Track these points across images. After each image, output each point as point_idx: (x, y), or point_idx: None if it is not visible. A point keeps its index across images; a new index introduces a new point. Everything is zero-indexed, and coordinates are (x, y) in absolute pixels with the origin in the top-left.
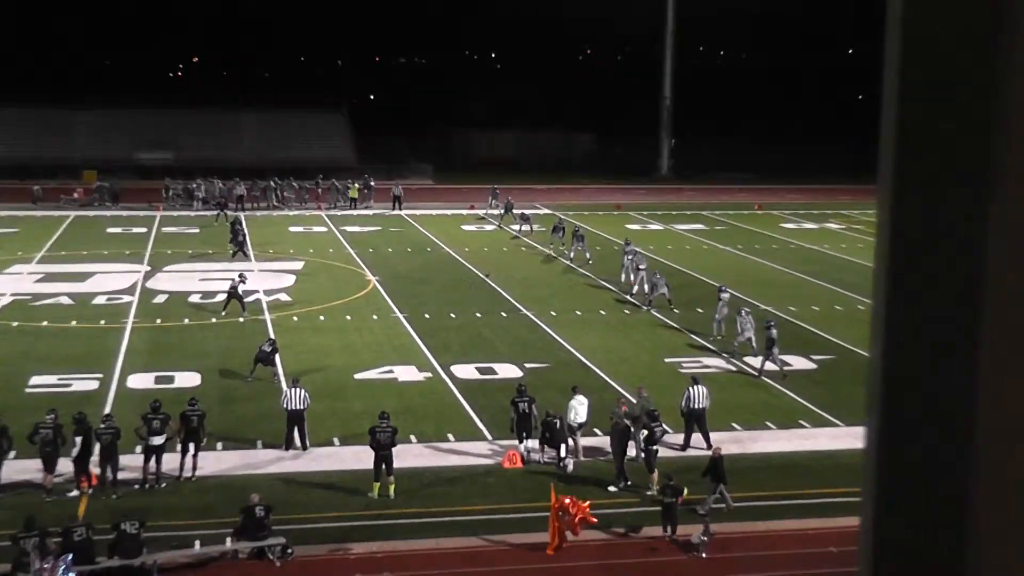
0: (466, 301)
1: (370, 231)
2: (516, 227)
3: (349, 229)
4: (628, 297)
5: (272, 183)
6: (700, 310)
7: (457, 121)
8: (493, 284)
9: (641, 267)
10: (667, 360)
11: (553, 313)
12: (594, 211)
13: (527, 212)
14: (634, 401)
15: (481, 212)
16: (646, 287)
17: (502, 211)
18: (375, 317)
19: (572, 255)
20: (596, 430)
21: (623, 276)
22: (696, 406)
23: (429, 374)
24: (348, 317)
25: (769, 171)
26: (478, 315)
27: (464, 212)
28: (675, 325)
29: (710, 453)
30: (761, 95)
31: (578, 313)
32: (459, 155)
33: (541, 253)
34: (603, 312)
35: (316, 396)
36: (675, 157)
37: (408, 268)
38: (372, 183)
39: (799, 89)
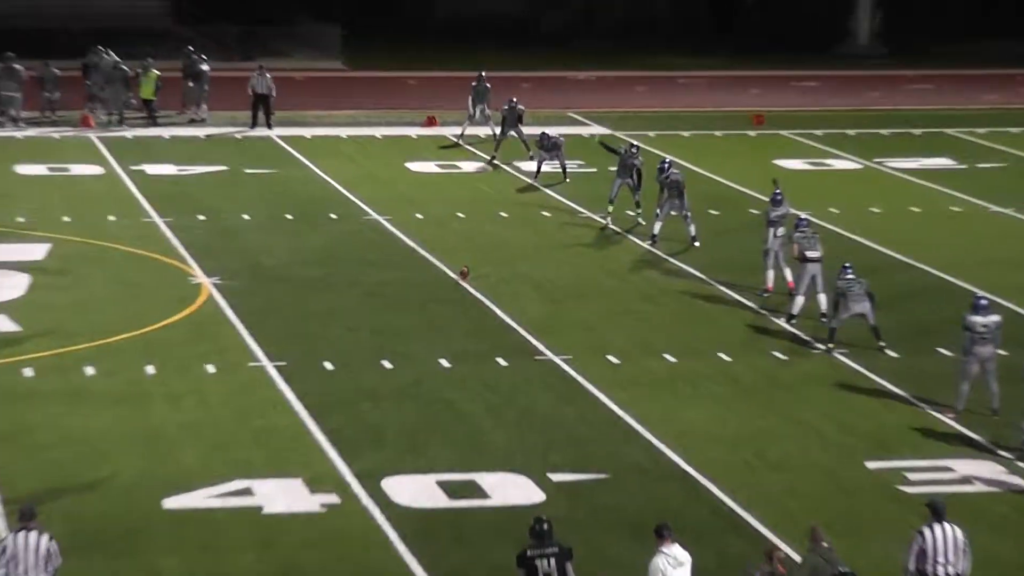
0: (417, 333)
1: (201, 173)
2: (532, 164)
3: (152, 169)
4: (784, 323)
5: None
6: (946, 351)
7: None
8: (475, 292)
9: (811, 255)
10: (872, 465)
11: (613, 358)
12: (704, 129)
13: (552, 132)
14: (797, 560)
15: (453, 135)
16: (822, 299)
17: (498, 130)
18: (211, 368)
19: (656, 228)
20: None
21: (769, 273)
22: (940, 569)
23: (333, 497)
24: (150, 368)
25: None
26: (443, 363)
27: (414, 132)
28: (888, 385)
29: None
30: None
31: (668, 358)
32: (402, 8)
33: (585, 223)
34: (724, 356)
35: (78, 547)
36: (885, 12)
37: (287, 257)
38: (205, 67)
39: None
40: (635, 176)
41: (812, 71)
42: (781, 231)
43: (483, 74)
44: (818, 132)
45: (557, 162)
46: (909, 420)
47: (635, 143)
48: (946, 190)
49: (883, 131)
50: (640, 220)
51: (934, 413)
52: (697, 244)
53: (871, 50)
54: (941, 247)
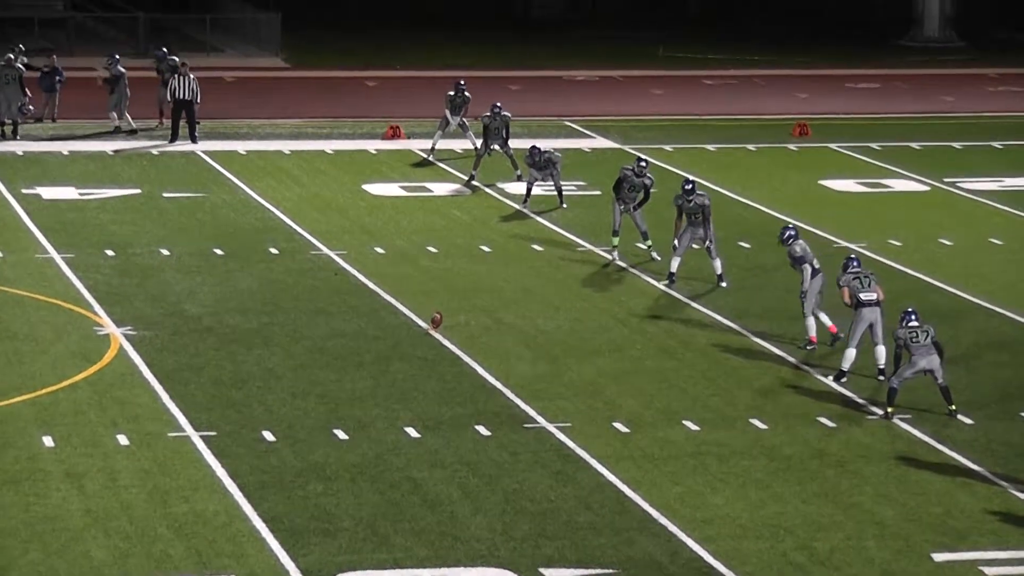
0: (377, 396)
1: (109, 197)
2: (521, 185)
3: (49, 192)
4: (832, 382)
5: None
6: None
7: None
8: (449, 345)
9: (867, 297)
10: (940, 557)
11: (621, 427)
12: (735, 142)
13: (546, 146)
14: None
15: (422, 149)
16: (880, 352)
17: (478, 143)
18: (122, 440)
19: (675, 265)
20: None
21: (809, 321)
22: None
23: None
24: (47, 441)
25: None
26: (410, 433)
27: (373, 146)
28: (961, 459)
29: None
30: None
31: (690, 427)
32: None
33: (585, 259)
34: (760, 423)
35: None
36: None
37: (216, 303)
38: (104, 65)
39: None
40: (635, 196)
41: (869, 69)
42: (817, 266)
43: (462, 83)
44: (875, 145)
45: (551, 183)
46: (987, 502)
47: (643, 157)
48: None
49: (956, 144)
50: (654, 255)
51: (1018, 494)
52: (724, 284)
53: (943, 41)
54: None
